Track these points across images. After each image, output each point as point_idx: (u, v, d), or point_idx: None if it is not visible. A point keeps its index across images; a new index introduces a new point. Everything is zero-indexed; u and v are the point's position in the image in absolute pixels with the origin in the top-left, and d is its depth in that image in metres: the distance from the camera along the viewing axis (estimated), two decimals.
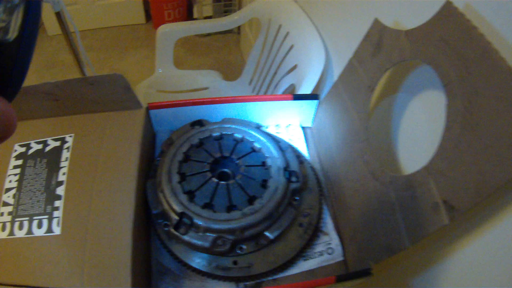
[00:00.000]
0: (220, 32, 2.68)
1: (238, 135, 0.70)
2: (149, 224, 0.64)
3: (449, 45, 0.50)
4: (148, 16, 2.80)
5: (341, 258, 0.65)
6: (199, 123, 0.73)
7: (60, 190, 0.59)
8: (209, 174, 0.65)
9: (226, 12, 2.53)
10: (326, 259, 0.64)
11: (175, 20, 2.62)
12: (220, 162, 0.69)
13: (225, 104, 0.75)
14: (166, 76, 1.61)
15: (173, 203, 0.60)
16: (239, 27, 2.61)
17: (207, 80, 1.68)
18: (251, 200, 0.62)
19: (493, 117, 0.43)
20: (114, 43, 2.65)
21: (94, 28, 2.72)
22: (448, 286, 0.63)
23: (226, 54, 2.58)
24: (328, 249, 0.65)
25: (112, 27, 2.76)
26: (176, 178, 0.63)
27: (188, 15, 2.71)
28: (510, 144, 0.41)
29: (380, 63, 0.62)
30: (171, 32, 1.52)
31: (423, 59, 0.54)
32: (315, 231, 0.65)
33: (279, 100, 0.77)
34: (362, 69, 0.66)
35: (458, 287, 0.61)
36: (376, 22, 0.64)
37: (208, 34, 2.71)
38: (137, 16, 2.77)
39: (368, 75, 0.64)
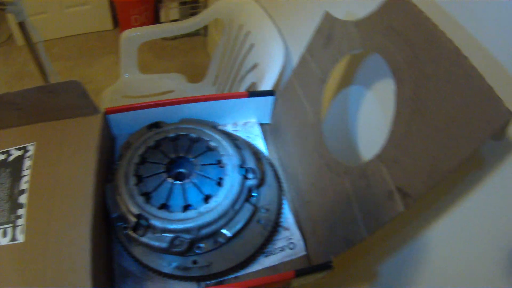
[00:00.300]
0: (187, 35, 2.66)
1: (193, 135, 0.68)
2: (110, 228, 0.63)
3: (397, 31, 0.48)
4: (115, 22, 2.73)
5: (303, 253, 0.63)
6: (156, 125, 0.71)
7: (23, 199, 0.57)
8: (165, 175, 0.63)
9: (193, 15, 2.49)
10: (288, 254, 0.62)
11: (142, 25, 2.56)
12: (176, 162, 0.67)
13: (182, 105, 0.73)
14: (131, 81, 1.57)
15: (130, 205, 0.58)
16: (206, 30, 2.58)
17: (172, 83, 1.65)
18: (206, 198, 0.60)
19: (442, 100, 0.42)
20: (82, 51, 2.58)
21: (63, 36, 2.65)
22: (412, 269, 0.63)
23: (194, 56, 2.54)
24: (289, 244, 0.63)
25: (80, 35, 2.69)
26: (132, 180, 0.61)
27: (156, 20, 2.66)
28: (460, 126, 0.39)
29: (331, 55, 0.60)
30: (134, 37, 1.48)
31: (372, 48, 0.53)
32: (275, 227, 0.63)
33: (235, 98, 0.75)
34: (314, 62, 0.64)
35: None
36: (327, 15, 0.62)
37: (175, 38, 2.67)
38: (104, 22, 2.70)
39: (320, 68, 0.62)
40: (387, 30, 0.50)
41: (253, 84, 1.15)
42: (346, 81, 0.72)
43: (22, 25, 1.34)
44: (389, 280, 0.71)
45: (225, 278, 0.59)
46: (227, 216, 0.58)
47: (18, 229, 0.55)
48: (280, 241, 0.63)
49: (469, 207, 0.53)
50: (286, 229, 0.65)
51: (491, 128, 0.37)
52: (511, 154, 0.46)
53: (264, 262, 0.61)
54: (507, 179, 0.47)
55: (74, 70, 2.41)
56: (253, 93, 0.75)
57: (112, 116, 0.71)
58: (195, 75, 2.25)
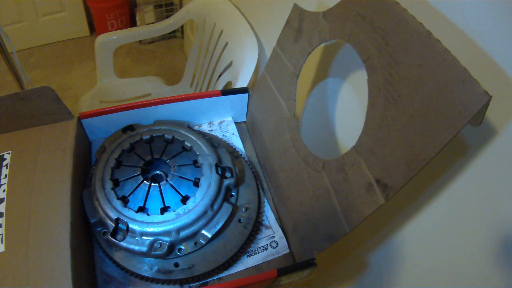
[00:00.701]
0: (165, 38, 2.62)
1: (168, 136, 0.65)
2: (90, 233, 0.60)
3: (366, 19, 0.46)
4: (92, 28, 2.68)
5: (286, 251, 0.60)
6: (131, 127, 0.69)
7: (1, 207, 0.55)
8: (141, 178, 0.60)
9: (168, 17, 2.44)
10: (271, 253, 0.60)
11: (118, 29, 2.51)
12: (152, 164, 0.64)
13: (156, 106, 0.71)
14: (109, 86, 1.53)
15: (107, 210, 0.55)
16: (182, 32, 2.54)
17: (150, 87, 1.61)
18: (184, 199, 0.57)
19: (415, 86, 0.39)
20: (60, 59, 2.52)
21: (40, 45, 2.59)
22: (402, 257, 0.61)
23: (171, 59, 2.50)
24: (272, 243, 0.61)
25: (57, 42, 2.63)
26: (109, 184, 0.58)
27: (132, 24, 2.61)
28: (436, 112, 0.37)
29: (302, 48, 0.57)
30: (109, 41, 1.45)
31: (342, 38, 0.50)
32: (256, 225, 0.61)
33: (208, 97, 0.72)
34: (286, 56, 0.61)
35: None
36: (295, 7, 0.60)
37: (153, 41, 2.62)
38: (81, 29, 2.64)
39: (291, 62, 0.59)
40: (356, 18, 0.47)
41: (229, 83, 1.12)
42: (322, 73, 0.70)
43: None
44: (379, 269, 0.70)
45: (209, 280, 0.57)
46: (206, 217, 0.55)
47: None
48: (262, 240, 0.61)
49: (455, 195, 0.51)
50: (268, 227, 0.62)
51: (469, 112, 0.34)
52: (493, 139, 0.44)
53: (247, 262, 0.58)
54: (491, 165, 0.45)
55: (53, 78, 2.35)
56: (226, 91, 0.72)
57: (86, 121, 0.68)
58: (174, 77, 2.21)
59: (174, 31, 1.46)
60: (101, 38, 1.43)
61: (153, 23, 2.48)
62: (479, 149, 0.47)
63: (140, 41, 2.60)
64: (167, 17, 2.44)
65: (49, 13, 2.47)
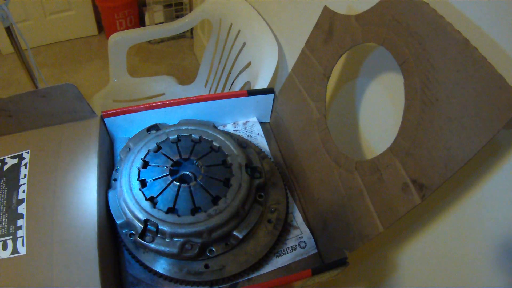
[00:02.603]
0: (174, 38, 2.63)
1: (195, 136, 0.66)
2: (116, 235, 0.60)
3: (401, 24, 0.48)
4: (100, 27, 2.70)
5: (314, 251, 0.62)
6: (155, 127, 0.70)
7: (22, 208, 0.55)
8: (169, 178, 0.61)
9: (178, 17, 2.47)
10: (299, 253, 0.61)
11: (127, 29, 2.52)
12: (180, 164, 0.65)
13: (179, 106, 0.71)
14: (121, 85, 1.55)
15: (136, 211, 0.56)
16: (192, 32, 2.56)
17: (163, 86, 1.63)
18: (215, 200, 0.58)
19: (452, 90, 0.41)
20: (68, 57, 2.54)
21: (48, 43, 2.60)
22: (435, 260, 0.62)
23: (181, 59, 2.52)
24: (300, 243, 0.62)
25: (65, 41, 2.65)
26: (136, 185, 0.59)
27: (140, 23, 2.63)
28: (473, 116, 0.39)
29: (333, 50, 0.59)
30: (122, 40, 1.45)
31: (376, 41, 0.52)
32: (285, 226, 0.62)
33: (234, 97, 0.73)
34: (315, 57, 0.63)
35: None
36: (326, 10, 0.61)
37: (162, 41, 2.64)
38: (89, 28, 2.66)
39: (321, 63, 0.61)
40: (391, 22, 0.49)
41: (247, 83, 1.14)
42: (351, 74, 0.71)
43: (9, 31, 1.31)
44: (410, 271, 0.70)
45: (239, 280, 0.58)
46: (237, 218, 0.57)
47: (19, 240, 0.53)
48: (291, 240, 0.62)
49: (485, 195, 0.52)
50: (296, 227, 0.64)
51: (505, 117, 0.36)
52: None
53: (276, 263, 0.60)
54: None
55: (60, 77, 2.37)
56: (252, 91, 0.73)
57: (109, 120, 0.69)
58: (183, 77, 2.23)
59: (183, 31, 1.47)
60: (114, 37, 1.44)
61: (162, 22, 2.50)
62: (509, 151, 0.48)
63: (149, 41, 2.62)
64: (177, 17, 2.48)
65: (57, 11, 2.49)
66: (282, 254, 0.60)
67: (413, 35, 0.46)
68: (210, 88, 1.52)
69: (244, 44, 1.18)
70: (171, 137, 0.66)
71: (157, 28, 1.54)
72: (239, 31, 1.22)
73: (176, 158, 0.64)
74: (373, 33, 0.52)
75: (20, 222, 0.54)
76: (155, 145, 0.65)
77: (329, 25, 0.60)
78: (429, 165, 0.43)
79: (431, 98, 0.43)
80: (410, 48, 0.46)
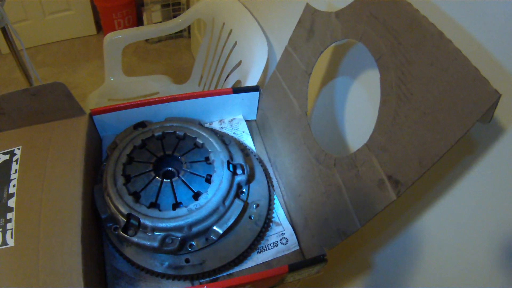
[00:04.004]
0: (171, 37, 2.63)
1: (180, 133, 0.66)
2: (100, 229, 0.61)
3: (378, 19, 0.47)
4: (99, 27, 2.70)
5: (296, 247, 0.61)
6: (142, 124, 0.70)
7: (12, 202, 0.56)
8: (153, 174, 0.62)
9: (175, 16, 2.46)
10: (281, 249, 0.61)
11: (125, 28, 2.53)
12: (164, 161, 0.66)
13: (167, 103, 0.72)
14: (116, 84, 1.55)
15: (119, 205, 0.56)
16: (189, 31, 2.55)
17: (157, 85, 1.63)
18: (196, 196, 0.59)
19: (427, 84, 0.41)
20: (66, 57, 2.54)
21: (47, 43, 2.61)
22: (407, 258, 0.62)
23: (178, 58, 2.52)
24: (282, 239, 0.62)
25: (64, 41, 2.65)
26: (121, 180, 0.59)
27: (138, 23, 2.63)
28: (448, 110, 0.38)
29: (314, 47, 0.58)
30: (117, 39, 1.46)
31: (355, 37, 0.51)
32: (267, 222, 0.62)
33: (219, 95, 0.73)
34: (297, 55, 0.62)
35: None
36: (308, 7, 0.61)
37: (160, 40, 2.64)
38: (88, 28, 2.67)
39: (303, 61, 0.61)
40: (368, 18, 0.49)
41: (238, 82, 1.14)
42: (332, 72, 0.71)
43: (4, 32, 1.31)
44: (385, 269, 0.71)
45: (219, 275, 0.58)
46: (217, 213, 0.57)
47: (8, 233, 0.53)
48: (273, 237, 0.62)
49: (462, 193, 0.52)
50: (278, 224, 0.63)
51: (479, 110, 0.36)
52: (501, 137, 0.45)
53: (257, 258, 0.59)
54: (499, 162, 0.46)
55: (59, 77, 2.37)
56: (237, 89, 0.73)
57: (98, 117, 0.69)
58: (180, 76, 2.23)
59: (181, 31, 1.47)
60: (110, 36, 1.45)
61: (160, 22, 2.50)
62: (486, 147, 0.48)
63: (146, 40, 2.62)
64: (174, 16, 2.46)
65: (56, 11, 2.50)
66: (263, 250, 0.60)
67: (389, 30, 0.45)
68: (204, 87, 1.52)
69: (235, 43, 1.18)
70: (156, 134, 0.66)
71: (151, 27, 1.54)
72: (231, 30, 1.22)
73: (160, 154, 0.65)
74: (352, 29, 0.51)
75: (9, 215, 0.55)
76: (140, 141, 0.65)
77: (310, 23, 0.59)
78: (404, 160, 0.42)
79: (406, 93, 0.43)
80: (386, 43, 0.46)
